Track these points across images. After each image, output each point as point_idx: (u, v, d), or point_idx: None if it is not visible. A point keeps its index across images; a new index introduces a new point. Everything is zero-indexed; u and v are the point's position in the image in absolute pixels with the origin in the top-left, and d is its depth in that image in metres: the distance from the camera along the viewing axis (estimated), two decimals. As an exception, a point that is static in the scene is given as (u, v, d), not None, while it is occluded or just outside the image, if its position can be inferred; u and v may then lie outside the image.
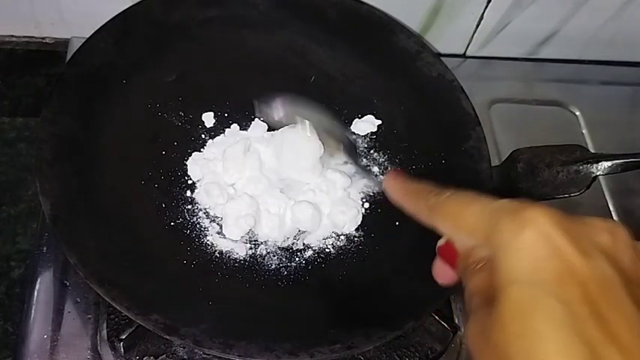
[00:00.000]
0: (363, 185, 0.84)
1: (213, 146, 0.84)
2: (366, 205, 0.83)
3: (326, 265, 0.78)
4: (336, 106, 0.90)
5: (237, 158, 0.81)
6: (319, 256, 0.78)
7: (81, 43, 0.84)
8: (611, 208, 0.99)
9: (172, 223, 0.77)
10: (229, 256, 0.76)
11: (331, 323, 0.71)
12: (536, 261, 0.41)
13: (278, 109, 0.74)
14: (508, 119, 1.05)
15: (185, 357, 0.74)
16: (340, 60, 0.93)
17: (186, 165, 0.82)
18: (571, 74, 1.15)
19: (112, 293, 0.68)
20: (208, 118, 0.86)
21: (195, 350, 0.74)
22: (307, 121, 0.79)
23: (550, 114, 1.08)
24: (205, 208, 0.79)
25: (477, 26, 1.05)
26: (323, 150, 0.79)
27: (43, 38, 1.00)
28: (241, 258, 0.77)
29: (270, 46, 0.93)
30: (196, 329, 0.68)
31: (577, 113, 1.08)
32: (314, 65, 0.93)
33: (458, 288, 0.51)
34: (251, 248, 0.78)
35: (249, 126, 0.86)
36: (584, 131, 1.07)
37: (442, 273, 0.52)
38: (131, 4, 0.88)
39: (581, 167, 0.77)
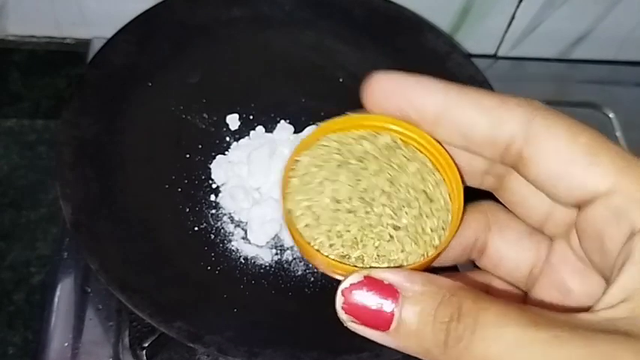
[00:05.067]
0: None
1: (238, 149, 0.82)
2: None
3: (354, 271, 0.76)
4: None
5: (262, 161, 0.79)
6: (347, 262, 0.77)
7: (102, 44, 0.83)
8: None
9: (196, 228, 0.76)
10: (254, 262, 0.75)
11: (359, 331, 0.70)
12: None
13: None
14: (541, 121, 1.03)
15: (209, 365, 0.73)
16: (368, 61, 0.91)
17: (210, 168, 0.80)
18: (605, 75, 1.13)
19: (135, 300, 0.67)
20: (233, 121, 0.84)
21: (220, 358, 0.72)
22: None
23: (583, 116, 1.05)
24: (230, 213, 0.78)
25: (509, 26, 1.04)
26: None
27: (64, 39, 0.99)
28: (267, 264, 0.75)
29: (296, 46, 0.91)
30: (221, 337, 0.67)
31: (611, 115, 1.06)
32: (341, 66, 0.91)
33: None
34: (277, 254, 0.76)
35: (274, 128, 0.85)
36: (617, 133, 1.05)
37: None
38: (154, 3, 0.87)
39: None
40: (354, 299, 0.37)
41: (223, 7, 0.90)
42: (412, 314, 0.35)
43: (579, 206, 0.39)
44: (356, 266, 0.40)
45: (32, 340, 0.78)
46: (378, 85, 0.43)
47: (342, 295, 0.37)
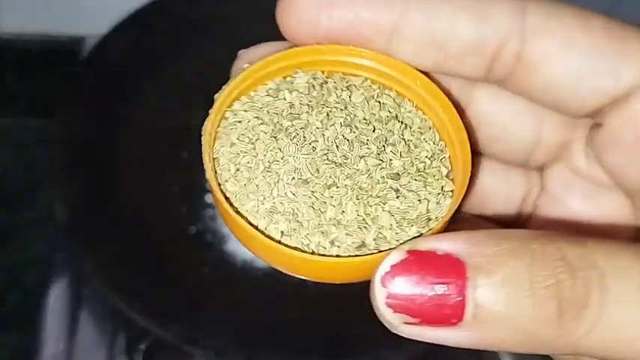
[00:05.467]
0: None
1: (235, 149, 0.81)
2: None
3: (354, 273, 0.76)
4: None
5: (260, 161, 0.79)
6: (347, 265, 0.76)
7: (97, 41, 0.82)
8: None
9: (193, 229, 0.76)
10: (252, 264, 0.75)
11: (359, 334, 0.69)
12: None
13: None
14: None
15: (206, 369, 0.73)
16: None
17: (208, 168, 0.79)
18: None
19: (130, 302, 0.66)
20: (230, 119, 0.83)
21: (217, 362, 0.72)
22: None
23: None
24: (228, 214, 0.77)
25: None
26: None
27: (59, 36, 0.98)
28: (265, 266, 0.74)
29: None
30: (218, 340, 0.67)
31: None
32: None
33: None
34: (276, 256, 0.76)
35: (272, 128, 0.84)
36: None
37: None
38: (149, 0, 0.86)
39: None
40: (401, 288, 0.26)
41: (221, 3, 0.89)
42: (493, 289, 0.25)
43: (599, 112, 0.31)
44: (381, 251, 0.30)
45: (27, 342, 0.77)
46: None
47: (383, 284, 0.27)
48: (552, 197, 0.36)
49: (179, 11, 0.87)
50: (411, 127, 0.33)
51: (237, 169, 0.32)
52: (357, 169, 0.31)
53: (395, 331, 0.27)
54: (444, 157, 0.33)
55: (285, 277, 0.73)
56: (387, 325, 0.27)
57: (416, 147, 0.33)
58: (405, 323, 0.26)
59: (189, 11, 0.87)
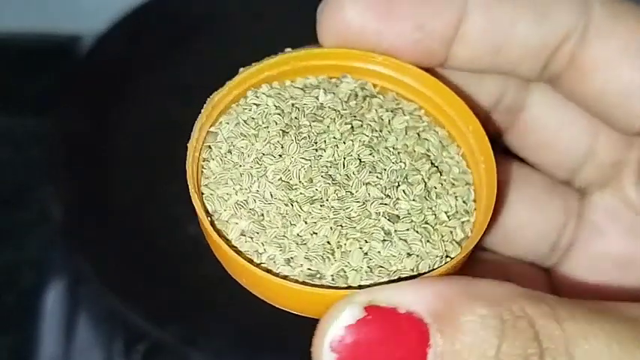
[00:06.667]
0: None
1: (236, 148, 0.81)
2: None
3: (358, 273, 0.75)
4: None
5: (260, 161, 0.78)
6: (350, 265, 0.76)
7: (95, 39, 0.82)
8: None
9: (193, 230, 0.74)
10: None
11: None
12: None
13: None
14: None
15: (206, 371, 0.72)
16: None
17: (208, 167, 0.79)
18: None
19: (128, 303, 0.66)
20: (230, 119, 0.83)
21: (217, 363, 0.72)
22: None
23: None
24: (227, 214, 0.76)
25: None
26: None
27: (55, 34, 0.97)
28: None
29: (297, 42, 0.90)
30: (217, 341, 0.66)
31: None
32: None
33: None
34: (277, 257, 0.75)
35: (271, 126, 0.83)
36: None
37: None
38: (147, -3, 0.85)
39: None
40: (355, 354, 0.23)
41: (220, 2, 0.89)
42: (455, 358, 0.22)
43: None
44: (338, 288, 0.26)
45: (23, 344, 0.76)
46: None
47: (333, 351, 0.24)
48: (593, 228, 0.32)
49: (177, 10, 0.87)
50: (442, 174, 0.29)
51: (229, 150, 0.30)
52: (353, 196, 0.28)
53: None
54: (467, 221, 0.29)
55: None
56: None
57: (438, 197, 0.29)
58: None
59: (187, 10, 0.87)
